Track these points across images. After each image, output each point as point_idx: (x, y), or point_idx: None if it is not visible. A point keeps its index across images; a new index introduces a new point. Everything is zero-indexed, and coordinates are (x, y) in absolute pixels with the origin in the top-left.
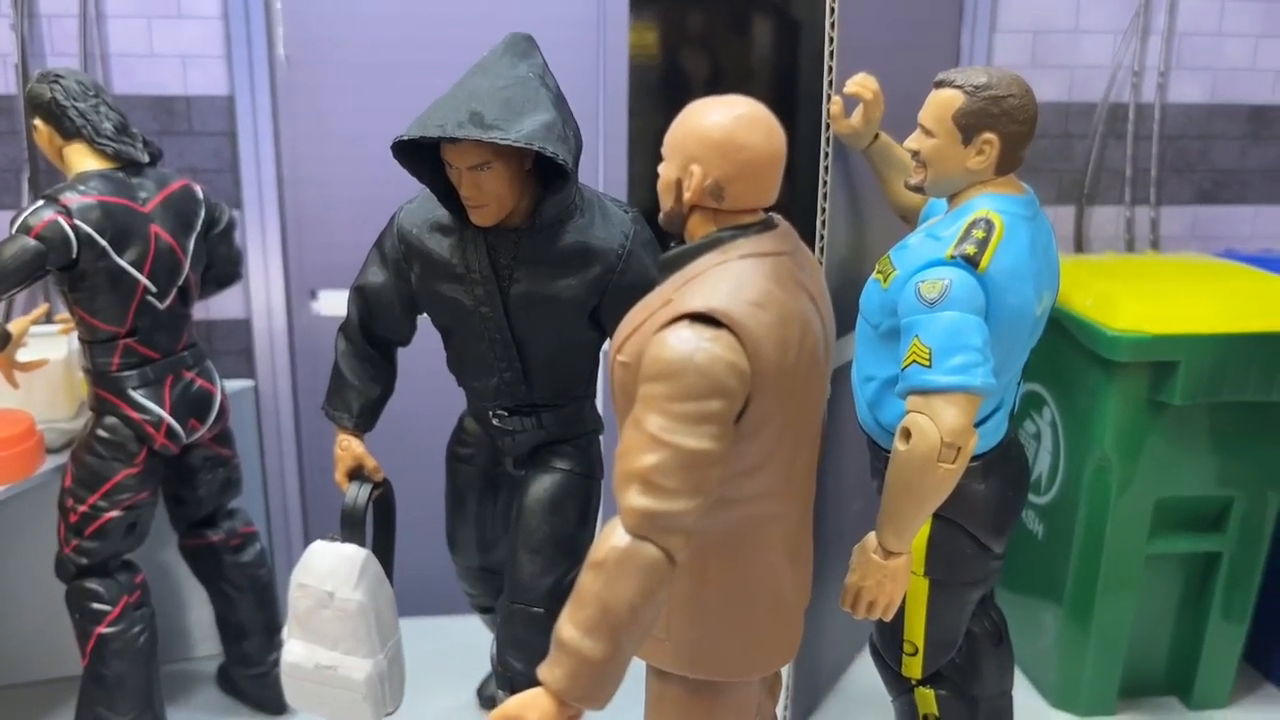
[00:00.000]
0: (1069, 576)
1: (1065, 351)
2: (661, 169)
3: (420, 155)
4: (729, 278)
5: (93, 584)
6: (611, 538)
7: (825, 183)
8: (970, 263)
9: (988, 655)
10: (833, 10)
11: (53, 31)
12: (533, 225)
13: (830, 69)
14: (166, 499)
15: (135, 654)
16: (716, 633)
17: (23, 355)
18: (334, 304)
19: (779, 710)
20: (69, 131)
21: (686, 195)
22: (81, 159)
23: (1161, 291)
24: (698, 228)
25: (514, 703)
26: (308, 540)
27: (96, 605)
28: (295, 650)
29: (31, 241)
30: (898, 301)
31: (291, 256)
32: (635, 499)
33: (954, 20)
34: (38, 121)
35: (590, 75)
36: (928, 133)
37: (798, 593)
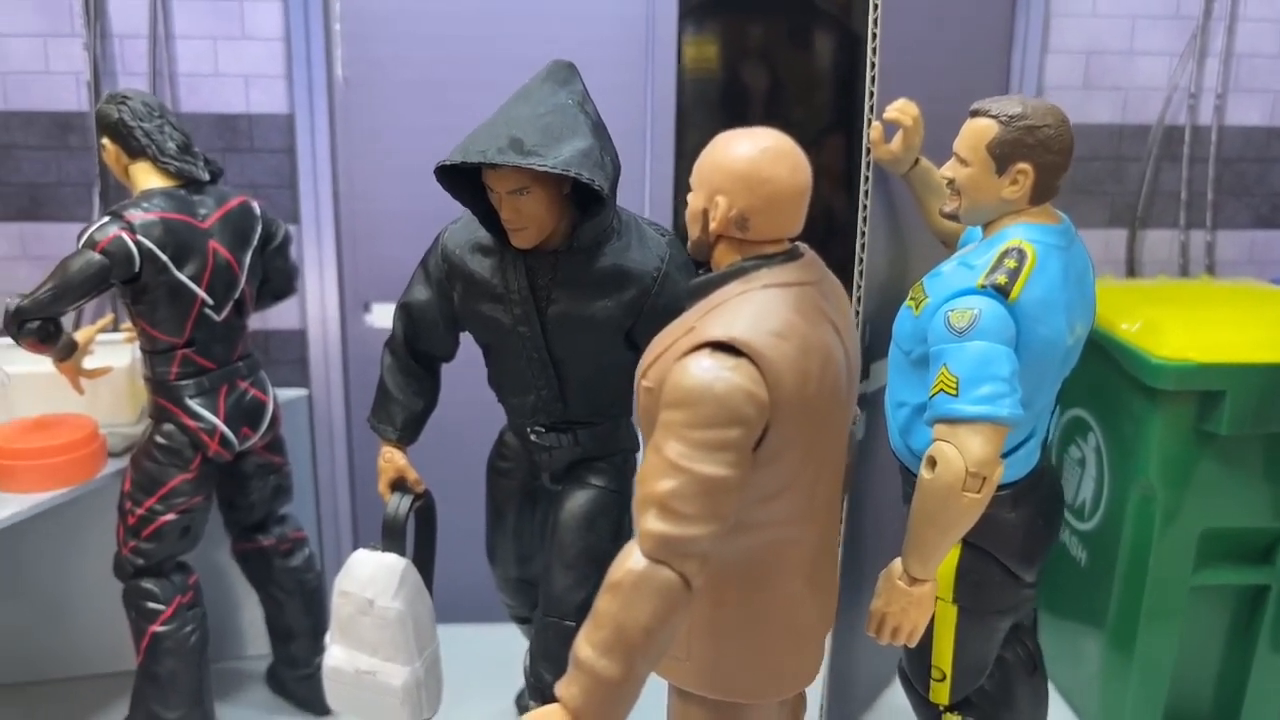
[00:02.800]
0: (1112, 605)
1: (1110, 377)
2: (690, 198)
3: (463, 179)
4: (751, 307)
5: (148, 584)
6: (628, 560)
7: (865, 206)
8: (1001, 292)
9: (1021, 684)
10: (875, 35)
11: (124, 51)
12: (570, 248)
13: (871, 94)
14: (220, 504)
15: (187, 652)
16: (735, 655)
17: (89, 363)
18: (387, 316)
19: None
20: (134, 150)
21: (712, 225)
22: (146, 177)
23: (1210, 318)
24: (724, 256)
25: (530, 717)
26: (357, 546)
27: (151, 604)
28: (336, 655)
29: (97, 256)
30: (928, 329)
31: (346, 270)
32: (652, 523)
33: (1004, 41)
34: (105, 140)
35: (638, 93)
36: (962, 161)
37: (818, 618)
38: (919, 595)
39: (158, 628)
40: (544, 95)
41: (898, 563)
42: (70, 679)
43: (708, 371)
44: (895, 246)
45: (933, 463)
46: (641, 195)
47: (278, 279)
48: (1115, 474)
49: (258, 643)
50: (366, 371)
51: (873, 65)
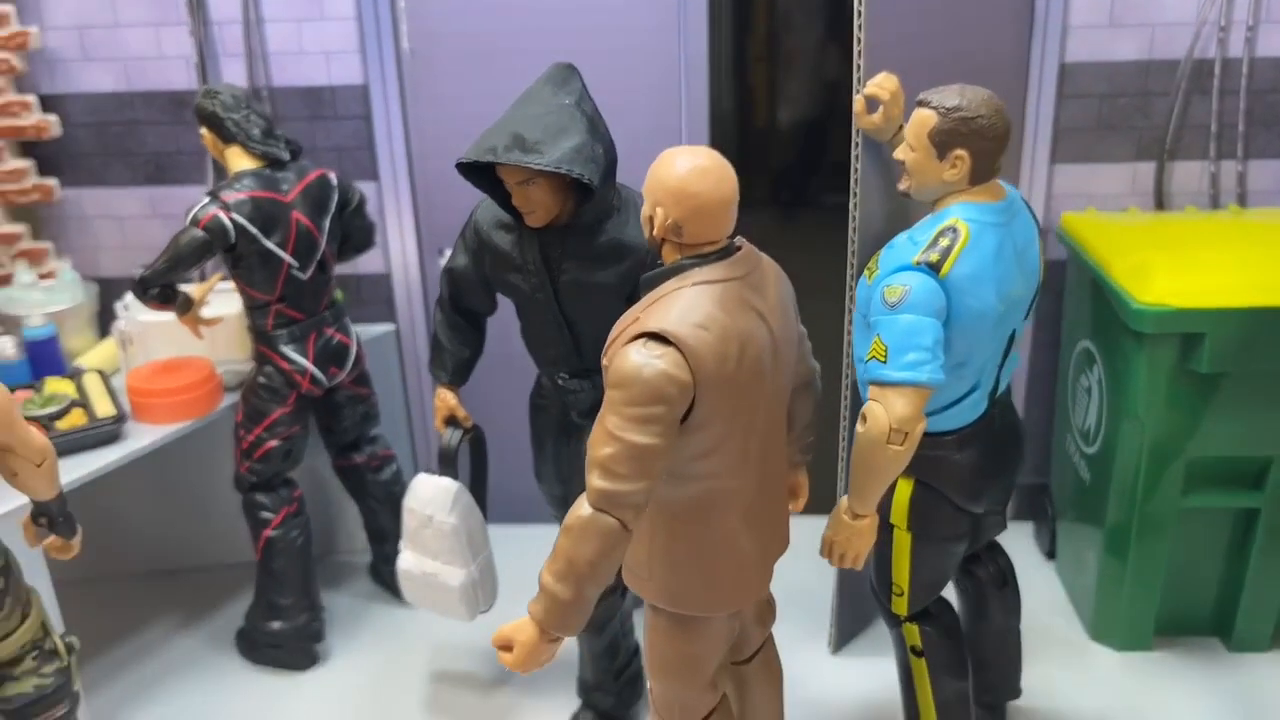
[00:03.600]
0: (1107, 523)
1: (1107, 315)
2: (643, 206)
3: (481, 169)
4: (681, 302)
5: (260, 497)
6: (579, 509)
7: (856, 169)
8: (933, 269)
9: (992, 597)
10: (859, 10)
11: (223, 35)
12: (575, 225)
13: (859, 66)
14: (319, 429)
15: (295, 553)
16: (686, 578)
17: (205, 313)
18: None
19: (828, 636)
20: (227, 137)
21: (655, 231)
22: (237, 159)
23: (1201, 261)
24: (668, 255)
25: (508, 627)
26: None
27: (263, 514)
28: (407, 559)
29: (200, 232)
30: (870, 300)
31: (422, 219)
32: (596, 480)
33: None
34: (203, 130)
35: (672, 52)
36: (910, 147)
37: (757, 549)
38: (860, 527)
39: (269, 533)
40: (545, 97)
41: (844, 500)
42: (206, 567)
43: (640, 358)
44: (891, 202)
45: (864, 419)
46: (679, 137)
47: (358, 236)
48: (1112, 405)
49: (361, 541)
50: None
51: (859, 41)
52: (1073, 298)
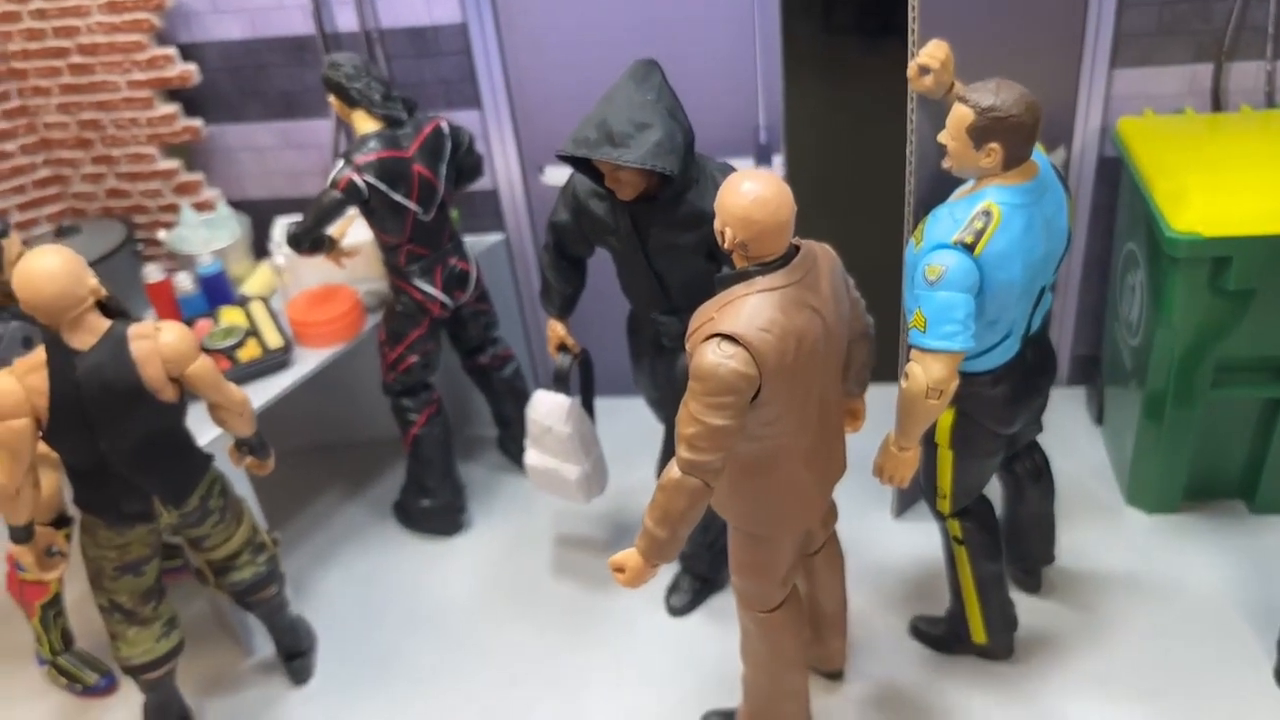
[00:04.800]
0: (1141, 408)
1: (1149, 227)
2: (715, 221)
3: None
4: (747, 308)
5: (405, 401)
6: (671, 471)
7: (911, 121)
8: (968, 249)
9: (1029, 488)
10: None
11: None
12: (659, 198)
13: (913, 31)
14: (450, 339)
15: (438, 444)
16: (757, 506)
17: (345, 245)
18: (556, 176)
19: (890, 503)
20: (352, 102)
21: (725, 245)
22: (363, 123)
23: (1237, 184)
24: (738, 261)
25: (621, 555)
26: None
27: (410, 415)
28: (532, 456)
29: (338, 193)
30: (914, 272)
31: (523, 140)
32: (683, 452)
33: None
34: (331, 97)
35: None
36: (950, 137)
37: (816, 481)
38: (905, 457)
39: (416, 430)
40: (628, 93)
41: (891, 433)
42: (357, 443)
43: (715, 357)
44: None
45: (906, 376)
46: (754, 86)
47: (470, 171)
48: (1149, 308)
49: (489, 419)
50: (544, 219)
51: (913, 7)
52: (1123, 200)
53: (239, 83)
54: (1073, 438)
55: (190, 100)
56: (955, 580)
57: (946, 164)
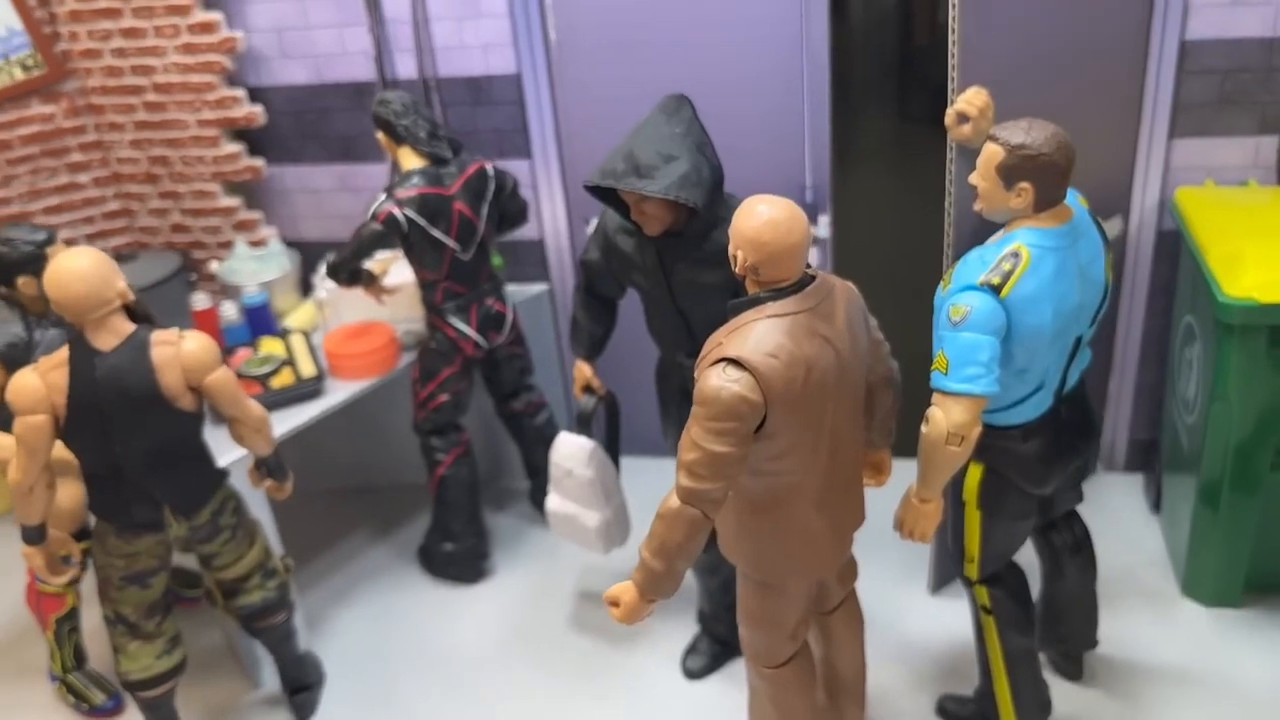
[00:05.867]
0: (1197, 491)
1: (1205, 297)
2: (729, 245)
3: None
4: (756, 333)
5: (434, 441)
6: (670, 501)
7: (950, 172)
8: (994, 290)
9: (1068, 562)
10: (953, 27)
11: (396, 33)
12: (685, 234)
13: (953, 79)
14: (483, 382)
15: (464, 487)
16: (765, 552)
17: (386, 283)
18: None
19: (927, 577)
20: (398, 139)
21: (737, 268)
22: (408, 159)
23: None
24: (750, 287)
25: (616, 588)
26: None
27: (437, 455)
28: (553, 501)
29: (378, 226)
30: (940, 313)
31: (570, 192)
32: (682, 480)
33: None
34: (379, 133)
35: (796, 49)
36: (981, 176)
37: (828, 529)
38: (926, 510)
39: (442, 471)
40: (658, 126)
41: (913, 485)
42: (389, 486)
43: (719, 381)
44: None
45: (927, 420)
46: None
47: (514, 215)
48: (1206, 383)
49: (522, 471)
50: None
51: (953, 55)
52: (1181, 273)
53: (301, 126)
54: (1128, 525)
55: (254, 140)
56: (984, 655)
57: (977, 206)
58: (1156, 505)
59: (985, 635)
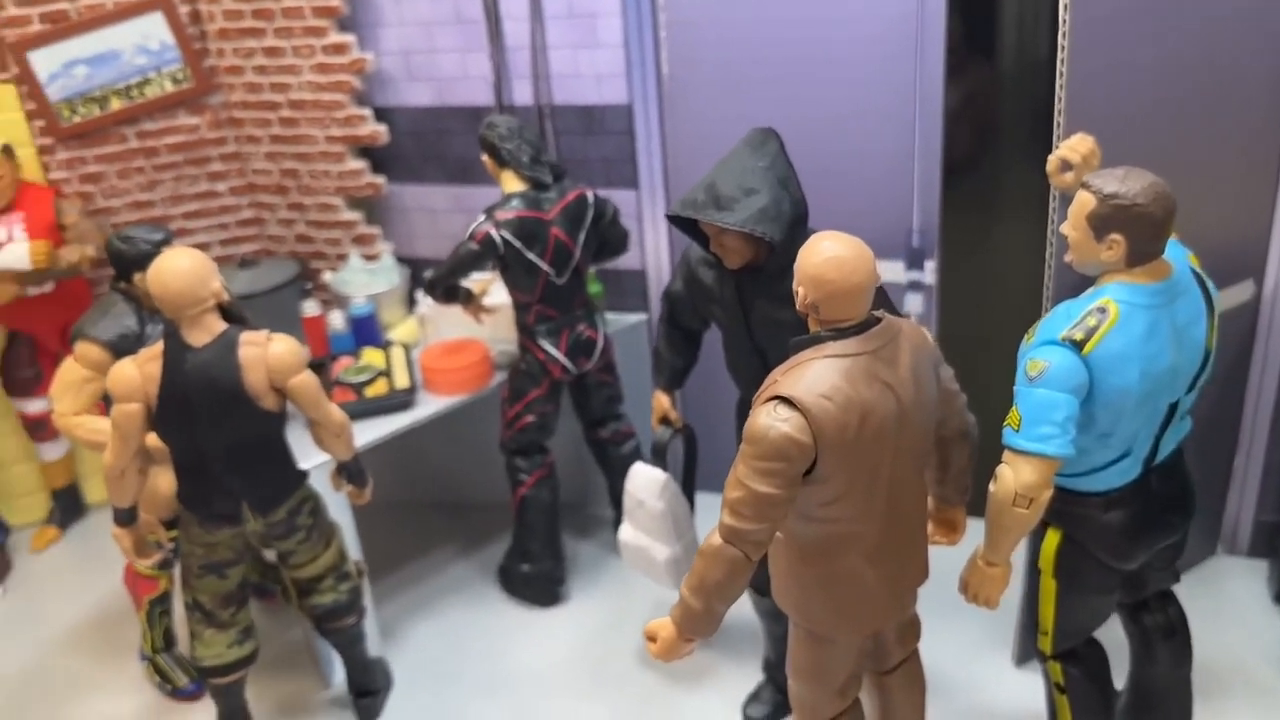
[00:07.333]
0: None
1: None
2: (792, 282)
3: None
4: (811, 372)
5: (519, 461)
6: (712, 539)
7: (1052, 220)
8: (1077, 346)
9: (1159, 646)
10: (1062, 71)
11: (515, 60)
12: (765, 269)
13: (1059, 124)
14: (573, 407)
15: (544, 510)
16: (815, 602)
17: (486, 302)
18: None
19: (1011, 649)
20: (501, 162)
21: (799, 306)
22: (510, 182)
23: None
24: (811, 325)
25: (656, 623)
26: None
27: (520, 475)
28: (626, 531)
29: (475, 245)
30: (1020, 364)
31: None
32: (725, 518)
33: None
34: (484, 155)
35: (908, 72)
36: (1071, 226)
37: (883, 583)
38: (993, 574)
39: (524, 491)
40: (742, 159)
41: (980, 546)
42: (484, 504)
43: (768, 420)
44: None
45: (996, 479)
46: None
47: (613, 243)
48: None
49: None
50: None
51: (1059, 99)
52: None
53: (422, 146)
54: (1246, 615)
55: (377, 158)
56: None
57: (1068, 257)
58: (1278, 595)
59: (1058, 715)
